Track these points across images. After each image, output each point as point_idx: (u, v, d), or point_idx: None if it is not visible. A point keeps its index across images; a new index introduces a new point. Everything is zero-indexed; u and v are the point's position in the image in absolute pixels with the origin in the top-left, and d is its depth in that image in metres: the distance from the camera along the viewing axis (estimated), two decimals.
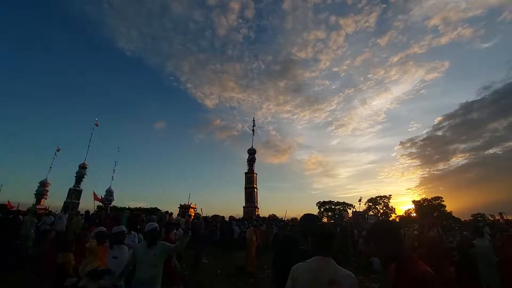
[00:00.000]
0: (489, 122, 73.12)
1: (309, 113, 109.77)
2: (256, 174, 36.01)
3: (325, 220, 46.48)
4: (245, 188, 34.98)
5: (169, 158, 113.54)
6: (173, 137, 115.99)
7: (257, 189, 35.22)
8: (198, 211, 29.62)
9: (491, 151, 74.70)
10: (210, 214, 29.79)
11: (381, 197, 55.52)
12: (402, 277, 1.54)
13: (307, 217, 2.41)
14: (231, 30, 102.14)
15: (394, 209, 54.28)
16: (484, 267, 4.67)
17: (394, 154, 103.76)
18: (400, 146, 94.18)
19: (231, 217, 16.78)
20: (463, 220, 32.56)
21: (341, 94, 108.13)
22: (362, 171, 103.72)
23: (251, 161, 36.21)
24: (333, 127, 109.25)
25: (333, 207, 55.94)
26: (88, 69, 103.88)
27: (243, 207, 34.02)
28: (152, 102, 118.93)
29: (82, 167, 27.42)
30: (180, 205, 30.25)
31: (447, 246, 4.75)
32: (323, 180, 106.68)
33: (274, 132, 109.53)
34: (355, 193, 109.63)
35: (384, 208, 54.64)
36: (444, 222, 13.91)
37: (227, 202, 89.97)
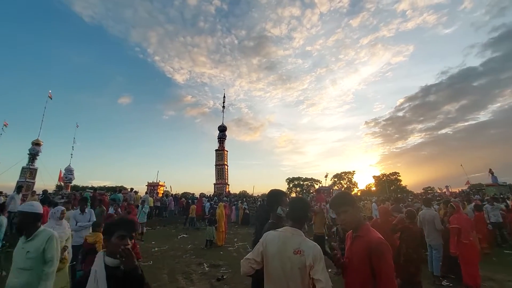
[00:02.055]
0: (444, 104, 79.20)
1: (282, 91, 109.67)
2: (227, 151, 36.00)
3: (294, 195, 48.59)
4: (216, 165, 34.94)
5: (136, 135, 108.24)
6: (140, 113, 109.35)
7: (227, 166, 35.38)
8: (168, 188, 29.39)
9: (443, 131, 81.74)
10: (180, 191, 29.69)
11: (345, 173, 59.11)
12: (357, 242, 1.71)
13: (273, 192, 2.48)
14: (203, 0, 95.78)
15: (357, 183, 58.40)
16: (430, 232, 5.37)
17: (359, 133, 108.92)
18: (365, 126, 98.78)
19: (201, 194, 16.84)
20: (415, 192, 35.98)
21: (313, 73, 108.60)
22: (330, 148, 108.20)
23: (221, 138, 35.93)
24: (304, 106, 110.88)
25: (301, 183, 58.39)
26: (39, 36, 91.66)
27: (214, 184, 34.17)
28: (116, 75, 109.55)
29: (36, 144, 25.09)
30: (148, 183, 29.49)
31: (398, 216, 5.22)
32: (293, 157, 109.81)
33: (246, 109, 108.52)
34: (322, 169, 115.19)
35: (348, 183, 58.42)
36: (399, 195, 15.49)
37: (197, 180, 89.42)
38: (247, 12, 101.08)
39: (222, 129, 36.33)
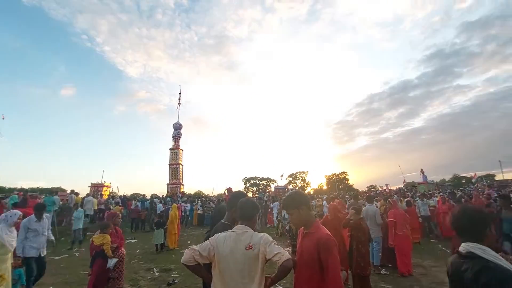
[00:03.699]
0: (385, 111, 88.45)
1: (241, 91, 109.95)
2: (182, 150, 34.77)
3: (250, 194, 49.06)
4: (170, 164, 33.47)
5: (79, 131, 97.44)
6: (86, 107, 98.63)
7: (182, 165, 34.16)
8: (115, 190, 27.13)
9: (384, 135, 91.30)
10: (129, 192, 27.65)
11: (300, 172, 61.69)
12: (307, 238, 1.80)
13: (236, 194, 2.48)
14: None
15: (310, 183, 61.35)
16: (371, 226, 5.78)
17: (314, 134, 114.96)
18: (319, 128, 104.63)
19: (153, 195, 15.94)
20: (360, 190, 39.22)
21: (272, 76, 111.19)
22: (286, 149, 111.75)
23: (176, 136, 34.52)
24: (263, 107, 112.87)
25: (258, 182, 59.21)
26: None
27: (167, 184, 32.69)
28: (58, 64, 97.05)
29: None
30: (92, 183, 26.81)
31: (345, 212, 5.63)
32: (250, 157, 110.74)
33: (204, 108, 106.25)
34: (278, 169, 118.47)
35: (302, 182, 61.07)
36: (347, 196, 17.01)
37: (150, 180, 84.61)
38: (207, 9, 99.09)
39: (178, 127, 34.91)
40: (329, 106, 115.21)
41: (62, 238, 10.24)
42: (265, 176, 59.44)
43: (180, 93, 37.47)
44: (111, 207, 12.66)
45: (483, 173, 38.51)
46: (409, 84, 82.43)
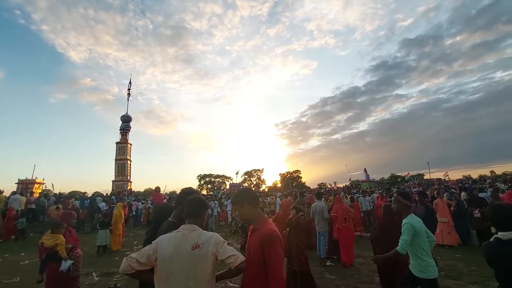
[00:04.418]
0: (336, 114, 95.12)
1: (198, 87, 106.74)
2: (131, 144, 32.44)
3: (204, 192, 48.15)
4: (116, 159, 30.96)
5: (6, 120, 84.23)
6: (16, 93, 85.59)
7: (130, 161, 31.91)
8: (49, 187, 24.04)
9: (334, 136, 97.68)
10: (67, 190, 24.83)
11: (255, 170, 62.60)
12: (254, 235, 1.80)
13: (185, 190, 2.35)
14: None
15: (265, 180, 62.71)
16: (319, 221, 6.24)
17: (270, 133, 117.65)
18: (275, 127, 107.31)
19: (95, 193, 14.57)
20: (312, 188, 41.41)
21: (230, 73, 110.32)
22: (242, 147, 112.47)
23: (125, 129, 32.03)
24: (220, 104, 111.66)
25: (213, 179, 58.45)
26: None
27: (113, 181, 30.21)
28: None
29: None
30: (20, 180, 23.35)
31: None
32: (205, 154, 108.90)
33: (158, 101, 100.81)
34: (234, 166, 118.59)
35: (257, 180, 62.09)
36: (303, 190, 17.84)
37: (93, 176, 77.43)
38: None
39: (126, 120, 32.39)
40: (286, 107, 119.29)
41: None
42: (220, 174, 59.07)
43: (130, 83, 34.82)
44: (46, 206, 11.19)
45: (414, 172, 44.05)
46: (357, 90, 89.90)
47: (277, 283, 1.59)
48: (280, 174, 63.85)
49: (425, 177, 39.14)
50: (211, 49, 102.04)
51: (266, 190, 49.21)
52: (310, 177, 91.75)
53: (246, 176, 61.30)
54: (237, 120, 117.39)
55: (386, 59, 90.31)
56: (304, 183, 58.36)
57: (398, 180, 47.24)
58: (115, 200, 13.04)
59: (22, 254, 7.60)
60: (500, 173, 43.87)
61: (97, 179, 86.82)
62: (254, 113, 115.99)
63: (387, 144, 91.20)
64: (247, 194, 1.93)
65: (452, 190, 11.70)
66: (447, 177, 29.39)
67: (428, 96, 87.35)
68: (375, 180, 31.09)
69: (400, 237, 2.76)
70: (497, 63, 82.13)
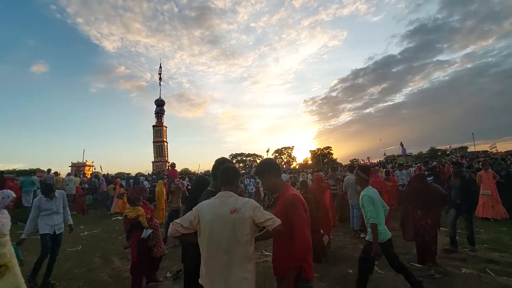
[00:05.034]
0: (369, 87, 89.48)
1: (225, 67, 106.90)
2: (166, 127, 34.09)
3: None
4: (154, 142, 32.89)
5: (55, 110, 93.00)
6: (60, 84, 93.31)
7: (167, 143, 33.70)
8: (98, 169, 26.52)
9: (367, 110, 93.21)
10: (113, 172, 27.20)
11: (285, 148, 62.68)
12: (278, 202, 1.92)
13: (218, 160, 2.47)
14: None
15: (296, 158, 62.67)
16: (352, 194, 6.25)
17: (299, 110, 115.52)
18: (304, 104, 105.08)
19: (139, 173, 15.79)
20: (344, 164, 40.61)
21: (256, 50, 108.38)
22: (271, 125, 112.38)
23: (159, 113, 33.52)
24: (248, 83, 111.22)
25: (244, 158, 59.80)
26: None
27: (152, 162, 32.32)
28: (25, 37, 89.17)
29: None
30: (72, 163, 26.04)
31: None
32: (236, 133, 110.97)
33: (188, 84, 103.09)
34: (264, 145, 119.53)
35: (288, 157, 62.27)
36: (335, 165, 17.73)
37: (134, 159, 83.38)
38: None
39: (160, 104, 33.79)
40: (314, 81, 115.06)
41: None
42: (252, 152, 60.08)
43: (160, 67, 35.96)
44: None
45: (457, 145, 40.91)
46: (393, 59, 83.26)
47: (302, 243, 1.69)
48: (310, 151, 63.28)
49: (469, 150, 36.19)
50: (235, 28, 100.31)
51: (297, 167, 49.28)
52: (342, 153, 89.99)
53: (277, 154, 61.70)
54: (266, 99, 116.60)
55: (425, 22, 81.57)
56: (336, 159, 57.35)
57: (438, 154, 44.23)
58: (156, 179, 14.07)
59: (81, 227, 8.65)
60: None
61: (139, 160, 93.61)
62: (282, 90, 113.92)
63: (426, 116, 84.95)
64: (266, 165, 2.03)
65: (502, 161, 10.72)
66: (495, 148, 26.78)
67: (473, 61, 78.39)
68: (412, 154, 29.43)
69: (365, 210, 2.99)
70: None
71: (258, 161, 54.19)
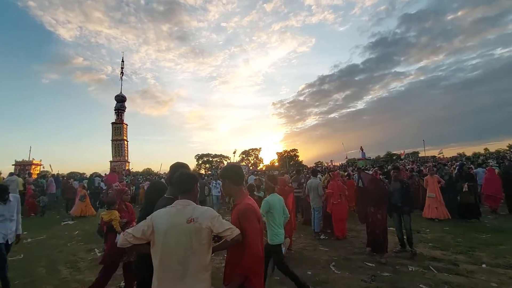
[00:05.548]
0: (334, 93, 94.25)
1: (194, 65, 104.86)
2: (127, 124, 32.20)
3: (203, 171, 48.63)
4: (113, 140, 30.85)
5: None
6: (5, 72, 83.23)
7: (127, 141, 31.85)
8: (47, 168, 24.07)
9: (332, 115, 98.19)
10: (65, 171, 24.95)
11: (253, 149, 63.05)
12: (234, 210, 1.91)
13: (173, 166, 2.36)
14: None
15: (262, 159, 63.35)
16: (314, 197, 6.44)
17: (267, 113, 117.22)
18: (272, 106, 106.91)
19: (94, 173, 14.68)
20: (309, 166, 41.97)
21: (226, 50, 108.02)
22: (239, 126, 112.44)
23: (120, 109, 31.55)
24: (217, 83, 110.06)
25: (210, 159, 58.91)
26: None
27: (110, 161, 30.31)
28: None
29: None
30: (16, 161, 23.32)
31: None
32: (203, 133, 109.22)
33: (153, 80, 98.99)
34: (231, 146, 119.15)
35: (255, 159, 62.68)
36: (299, 168, 18.27)
37: (90, 157, 77.54)
38: None
39: (121, 99, 31.81)
40: (283, 85, 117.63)
41: None
42: (218, 153, 59.41)
43: (122, 61, 33.89)
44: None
45: (410, 150, 44.69)
46: (356, 68, 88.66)
47: (252, 253, 1.67)
48: (277, 153, 64.45)
49: (420, 155, 39.73)
50: (206, 26, 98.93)
51: (264, 169, 49.82)
52: (307, 156, 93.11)
53: (244, 156, 61.81)
54: (234, 99, 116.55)
55: (386, 35, 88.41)
56: (301, 161, 59.13)
57: (394, 158, 47.90)
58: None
59: (25, 232, 7.76)
60: (494, 150, 44.60)
61: (95, 160, 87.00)
62: (251, 92, 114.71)
63: (384, 122, 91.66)
64: (228, 171, 2.00)
65: (446, 167, 11.93)
66: (442, 154, 29.87)
67: (426, 74, 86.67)
68: (371, 158, 31.52)
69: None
70: (497, 39, 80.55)
71: (225, 162, 53.84)
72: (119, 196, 4.20)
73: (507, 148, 45.57)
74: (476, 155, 33.55)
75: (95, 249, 6.03)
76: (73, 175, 20.01)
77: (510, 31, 75.29)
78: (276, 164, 60.32)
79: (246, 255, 1.68)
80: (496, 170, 9.75)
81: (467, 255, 4.75)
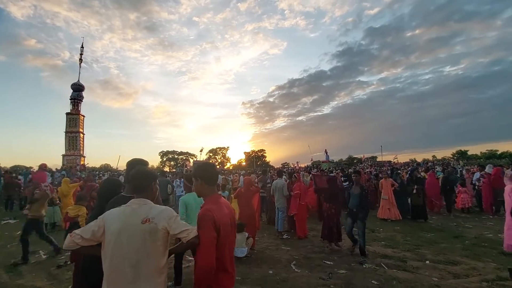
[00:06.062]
0: (302, 96, 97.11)
1: (162, 58, 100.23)
2: (84, 116, 29.74)
3: (167, 169, 46.95)
4: (66, 132, 28.34)
5: None
6: None
7: (83, 134, 29.49)
8: None
9: (300, 118, 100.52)
10: (9, 164, 22.35)
11: (220, 148, 62.39)
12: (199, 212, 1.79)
13: (130, 162, 2.24)
14: None
15: (230, 159, 63.00)
16: (278, 197, 6.54)
17: (236, 112, 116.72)
18: (242, 106, 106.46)
19: (42, 165, 13.29)
20: (276, 167, 42.67)
21: (198, 46, 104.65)
22: (208, 124, 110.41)
23: (76, 99, 29.07)
24: (186, 78, 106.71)
25: (176, 156, 57.11)
26: None
27: (63, 155, 27.83)
28: None
29: None
30: None
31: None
32: (169, 129, 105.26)
33: (116, 71, 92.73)
34: (198, 143, 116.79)
35: (222, 158, 62.10)
36: (266, 169, 18.50)
37: (39, 149, 70.52)
38: None
39: (78, 88, 29.25)
40: (253, 85, 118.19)
41: None
42: (184, 151, 57.84)
43: (82, 47, 31.27)
44: None
45: (369, 155, 47.55)
46: (324, 74, 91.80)
47: (199, 267, 1.59)
48: (245, 153, 64.57)
49: (378, 159, 42.58)
50: (177, 19, 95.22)
51: (231, 168, 49.61)
52: (275, 157, 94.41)
53: (211, 154, 60.95)
54: (203, 97, 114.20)
55: (352, 45, 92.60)
56: (269, 162, 59.83)
57: (355, 161, 50.76)
58: (65, 176, 12.11)
59: None
60: (440, 158, 49.44)
61: (45, 153, 79.12)
62: (221, 90, 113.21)
63: (347, 127, 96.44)
64: (202, 169, 1.92)
65: (398, 171, 12.92)
66: (396, 159, 32.31)
67: (386, 85, 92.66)
68: (334, 161, 33.10)
69: (178, 211, 3.43)
70: (447, 58, 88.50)
71: (191, 160, 52.59)
72: (89, 192, 3.97)
73: (451, 156, 50.73)
74: (425, 161, 36.98)
75: (40, 251, 5.47)
76: (18, 169, 18.02)
77: (457, 51, 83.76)
78: (244, 163, 60.46)
79: (195, 267, 1.62)
80: (441, 176, 10.81)
81: (414, 252, 5.17)
